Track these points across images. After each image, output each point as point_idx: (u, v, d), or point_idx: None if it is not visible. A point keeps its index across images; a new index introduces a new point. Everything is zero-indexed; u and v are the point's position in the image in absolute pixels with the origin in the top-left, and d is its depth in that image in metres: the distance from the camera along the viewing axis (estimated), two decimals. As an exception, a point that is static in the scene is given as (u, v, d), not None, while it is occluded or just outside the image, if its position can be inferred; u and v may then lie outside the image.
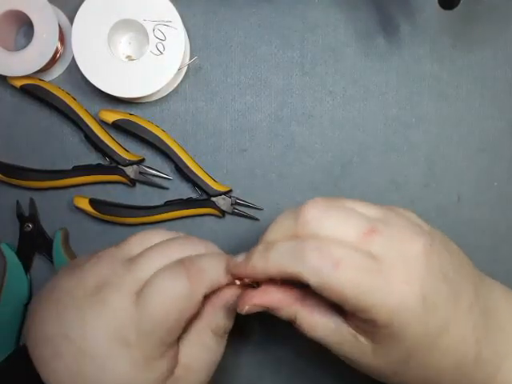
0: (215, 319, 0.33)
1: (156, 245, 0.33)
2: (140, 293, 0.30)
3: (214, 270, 0.33)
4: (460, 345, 0.31)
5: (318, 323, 0.32)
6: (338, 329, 0.31)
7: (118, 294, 0.30)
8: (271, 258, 0.31)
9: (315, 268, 0.29)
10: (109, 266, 0.32)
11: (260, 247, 0.32)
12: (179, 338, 0.33)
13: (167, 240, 0.34)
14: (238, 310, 0.32)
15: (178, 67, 0.41)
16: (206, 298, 0.33)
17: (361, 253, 0.30)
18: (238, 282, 0.33)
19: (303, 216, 0.31)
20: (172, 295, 0.30)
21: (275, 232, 0.33)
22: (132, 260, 0.32)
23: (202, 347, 0.33)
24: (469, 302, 0.32)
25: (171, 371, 0.32)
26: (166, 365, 0.31)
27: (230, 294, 0.33)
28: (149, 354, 0.30)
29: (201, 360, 0.33)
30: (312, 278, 0.29)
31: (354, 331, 0.31)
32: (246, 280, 0.33)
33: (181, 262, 0.32)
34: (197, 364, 0.33)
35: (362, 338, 0.31)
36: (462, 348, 0.32)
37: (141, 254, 0.33)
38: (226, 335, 0.35)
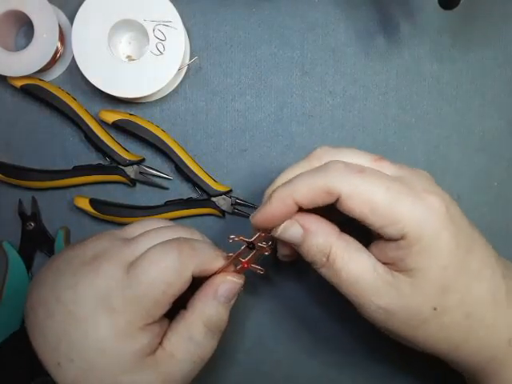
0: (206, 309, 0.33)
1: (157, 227, 0.35)
2: (133, 263, 0.32)
3: (205, 251, 0.33)
4: (490, 272, 0.32)
5: (352, 258, 0.31)
6: (373, 266, 0.31)
7: (110, 263, 0.32)
8: (296, 182, 0.31)
9: (344, 175, 0.30)
10: (108, 241, 0.33)
11: (279, 184, 0.33)
12: (170, 326, 0.33)
13: (169, 226, 0.36)
14: (273, 231, 0.33)
15: (177, 67, 0.41)
16: (199, 289, 0.34)
17: None
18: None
19: (316, 152, 0.33)
20: (162, 267, 0.31)
21: (288, 175, 0.33)
22: (132, 238, 0.34)
23: (190, 340, 0.33)
24: (484, 239, 0.33)
25: (152, 348, 0.32)
26: (147, 339, 0.31)
27: (220, 281, 0.34)
28: (131, 322, 0.31)
29: (186, 352, 0.33)
30: (342, 186, 0.30)
31: (388, 269, 0.31)
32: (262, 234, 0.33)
33: (176, 239, 0.33)
34: (180, 355, 0.33)
35: (398, 274, 0.31)
36: (492, 277, 0.32)
37: (141, 233, 0.34)
38: (219, 334, 0.34)
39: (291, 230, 0.32)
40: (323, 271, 0.32)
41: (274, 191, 0.32)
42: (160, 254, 0.32)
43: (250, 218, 0.33)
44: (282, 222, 0.32)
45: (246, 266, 0.35)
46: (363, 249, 0.32)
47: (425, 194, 0.30)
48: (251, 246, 0.34)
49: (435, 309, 0.31)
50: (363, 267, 0.31)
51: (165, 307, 0.32)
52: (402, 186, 0.30)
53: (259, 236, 0.34)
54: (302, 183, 0.31)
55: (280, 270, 0.44)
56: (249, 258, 0.35)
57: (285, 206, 0.31)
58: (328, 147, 0.33)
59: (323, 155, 0.33)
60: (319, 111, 0.44)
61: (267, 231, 0.33)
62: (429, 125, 0.44)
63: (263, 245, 0.34)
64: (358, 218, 0.31)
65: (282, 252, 0.36)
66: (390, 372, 0.44)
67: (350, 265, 0.31)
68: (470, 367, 0.34)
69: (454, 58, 0.44)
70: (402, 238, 0.30)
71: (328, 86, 0.44)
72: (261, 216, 0.32)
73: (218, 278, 0.34)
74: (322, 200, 0.31)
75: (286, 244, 0.34)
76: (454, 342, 0.32)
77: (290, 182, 0.32)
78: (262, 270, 0.35)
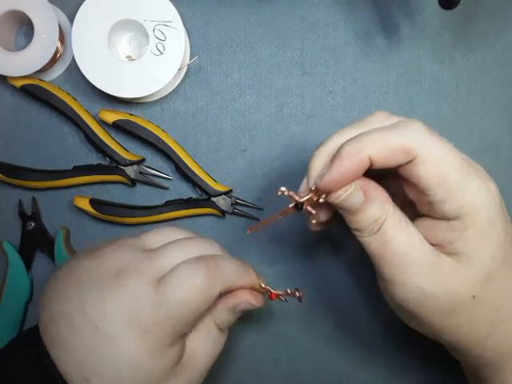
0: (223, 315, 0.34)
1: (178, 240, 0.34)
2: (161, 281, 0.31)
3: (231, 269, 0.33)
4: None
5: (403, 231, 0.30)
6: (420, 243, 0.30)
7: (138, 280, 0.31)
8: (370, 138, 0.29)
9: (425, 136, 0.29)
10: (130, 253, 0.33)
11: (333, 145, 0.30)
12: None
13: (189, 237, 0.35)
14: (334, 197, 0.30)
15: (178, 67, 0.41)
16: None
17: None
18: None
19: (376, 116, 0.31)
20: (192, 287, 0.31)
21: (344, 136, 0.31)
22: (154, 250, 0.33)
23: (208, 337, 0.34)
24: None
25: (179, 358, 0.32)
26: (175, 353, 0.32)
27: (242, 299, 0.34)
28: (161, 340, 0.31)
29: (205, 348, 0.34)
30: (422, 147, 0.29)
31: (434, 248, 0.30)
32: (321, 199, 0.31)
33: (203, 258, 0.33)
34: (201, 351, 0.33)
35: (444, 256, 0.30)
36: None
37: (163, 246, 0.34)
38: (227, 330, 0.35)
39: (354, 197, 0.30)
40: (368, 240, 0.30)
41: (341, 146, 0.29)
42: (189, 273, 0.31)
43: (317, 180, 0.30)
44: (349, 183, 0.30)
45: (273, 297, 0.36)
46: (411, 223, 0.31)
47: (488, 180, 0.30)
48: (300, 207, 0.31)
49: (474, 297, 0.30)
50: (412, 242, 0.30)
51: (192, 325, 0.32)
52: (470, 166, 0.30)
53: (310, 198, 0.31)
54: (376, 139, 0.29)
55: (281, 271, 0.44)
56: (279, 293, 0.36)
57: (357, 163, 0.29)
58: (389, 112, 0.31)
59: (386, 120, 0.31)
60: (319, 111, 0.44)
61: (321, 194, 0.31)
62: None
63: (311, 209, 0.32)
64: (422, 185, 0.29)
65: (318, 218, 0.33)
66: (391, 370, 0.44)
67: (401, 237, 0.30)
68: (484, 362, 0.33)
69: (453, 58, 0.44)
70: (457, 218, 0.29)
71: (328, 85, 0.44)
72: (330, 177, 0.29)
73: (242, 296, 0.34)
74: (396, 159, 0.29)
75: (329, 208, 0.32)
76: (480, 333, 0.32)
77: (359, 138, 0.29)
78: (286, 300, 0.36)
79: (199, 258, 0.33)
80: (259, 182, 0.44)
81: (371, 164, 0.29)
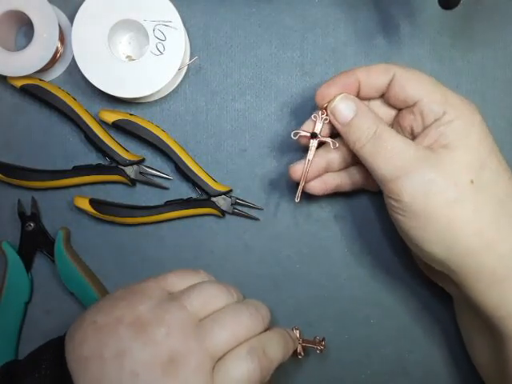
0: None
1: (224, 321, 0.33)
2: (215, 367, 0.32)
3: (279, 351, 0.35)
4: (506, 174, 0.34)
5: (397, 134, 0.34)
6: (413, 143, 0.34)
7: (193, 373, 0.31)
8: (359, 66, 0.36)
9: (401, 66, 0.35)
10: (181, 338, 0.32)
11: None
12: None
13: (235, 314, 0.34)
14: (330, 103, 0.36)
15: (178, 67, 0.41)
16: None
17: None
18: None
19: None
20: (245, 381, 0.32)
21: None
22: (205, 330, 0.33)
23: None
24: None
25: None
26: None
27: None
28: None
29: None
30: (398, 67, 0.35)
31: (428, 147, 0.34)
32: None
33: (255, 353, 0.33)
34: None
35: (439, 149, 0.33)
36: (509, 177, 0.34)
37: (213, 324, 0.33)
38: None
39: (346, 103, 0.36)
40: (367, 146, 0.34)
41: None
42: (243, 371, 0.32)
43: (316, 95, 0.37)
44: (338, 92, 0.36)
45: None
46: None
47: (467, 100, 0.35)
48: (315, 136, 0.38)
49: (472, 182, 0.33)
50: (406, 141, 0.34)
51: None
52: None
53: (316, 125, 0.37)
54: (362, 67, 0.36)
55: (281, 271, 0.44)
56: (308, 345, 0.40)
57: (347, 77, 0.36)
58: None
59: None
60: (319, 111, 0.44)
61: (323, 115, 0.37)
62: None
63: (325, 138, 0.38)
64: (408, 93, 0.35)
65: (335, 143, 0.37)
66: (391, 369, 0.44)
67: (397, 137, 0.34)
68: (479, 279, 0.33)
69: (454, 58, 0.44)
70: (444, 113, 0.34)
71: (328, 85, 0.44)
72: (323, 86, 0.36)
73: None
74: (377, 76, 0.35)
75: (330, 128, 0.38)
76: (489, 233, 0.33)
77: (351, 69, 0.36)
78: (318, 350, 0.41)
79: (251, 353, 0.33)
80: (259, 182, 0.44)
81: (359, 85, 0.36)
